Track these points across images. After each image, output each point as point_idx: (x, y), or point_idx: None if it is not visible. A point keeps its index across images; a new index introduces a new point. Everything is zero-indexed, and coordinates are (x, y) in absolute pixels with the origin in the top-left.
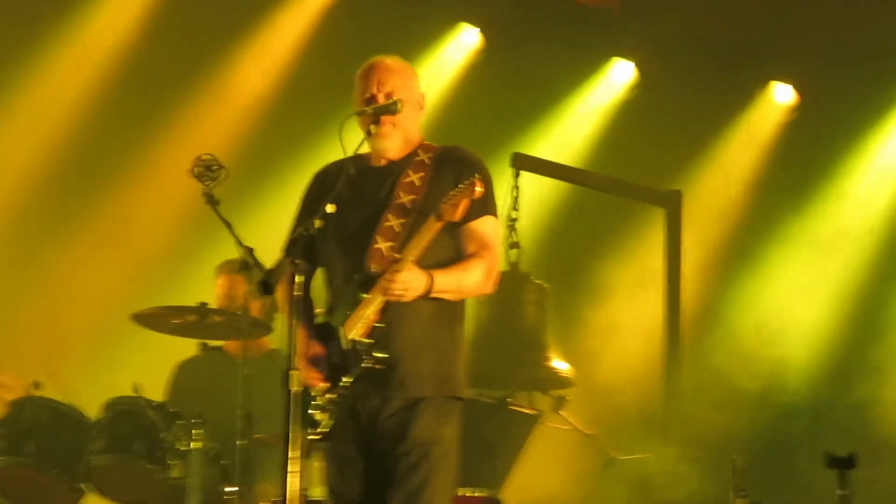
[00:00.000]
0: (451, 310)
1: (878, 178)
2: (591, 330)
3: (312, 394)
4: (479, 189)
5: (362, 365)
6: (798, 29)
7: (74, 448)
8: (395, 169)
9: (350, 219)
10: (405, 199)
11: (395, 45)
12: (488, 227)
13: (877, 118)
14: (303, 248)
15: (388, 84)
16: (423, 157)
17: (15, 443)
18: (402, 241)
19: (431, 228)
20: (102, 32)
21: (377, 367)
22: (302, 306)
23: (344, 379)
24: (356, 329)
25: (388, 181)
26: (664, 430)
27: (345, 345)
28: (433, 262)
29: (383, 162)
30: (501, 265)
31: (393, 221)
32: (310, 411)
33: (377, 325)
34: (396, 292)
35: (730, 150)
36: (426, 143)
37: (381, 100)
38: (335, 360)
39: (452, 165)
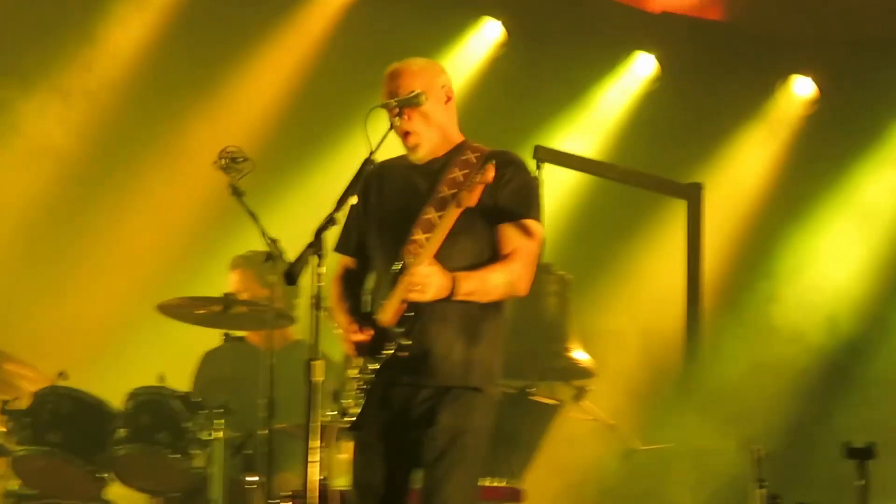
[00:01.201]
0: (489, 305)
1: None
2: (612, 321)
3: (345, 381)
4: (490, 174)
5: (385, 351)
6: (818, 21)
7: (98, 438)
8: (440, 164)
9: (392, 211)
10: (447, 193)
11: (417, 40)
12: (525, 230)
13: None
14: (355, 242)
15: (402, 90)
16: (471, 156)
17: (39, 432)
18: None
19: (451, 215)
20: (128, 26)
21: (401, 354)
22: (348, 293)
23: (370, 365)
24: (386, 316)
25: (431, 176)
26: (683, 419)
27: (377, 331)
28: (471, 255)
29: (427, 160)
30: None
31: (432, 214)
32: (341, 400)
33: (406, 313)
34: (415, 288)
35: (750, 143)
36: (474, 143)
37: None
38: (368, 348)
39: (486, 162)
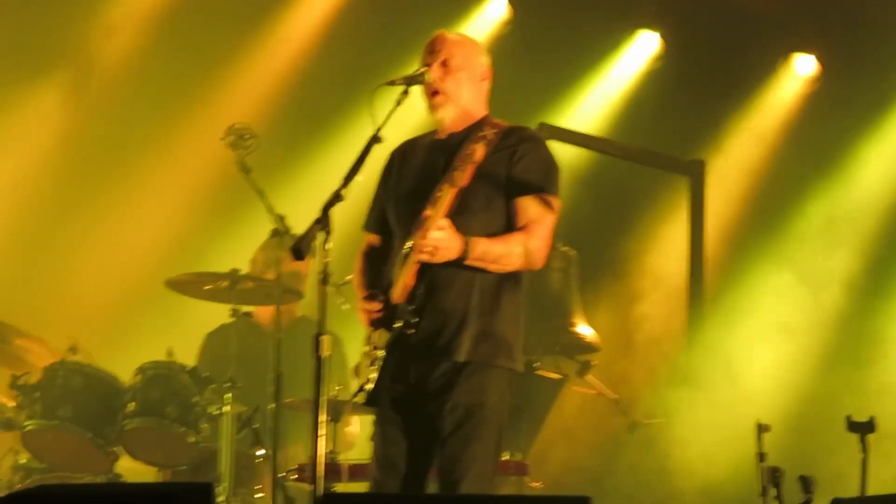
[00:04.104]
0: (507, 277)
1: None
2: (616, 296)
3: (362, 356)
4: (479, 154)
5: (394, 326)
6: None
7: (108, 412)
8: (457, 142)
9: (409, 188)
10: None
11: (423, 18)
12: (541, 203)
13: None
14: (379, 219)
15: (443, 52)
16: (489, 132)
17: (49, 406)
18: (451, 211)
19: (446, 195)
20: (134, 6)
21: (406, 329)
22: (369, 268)
23: (382, 339)
24: (396, 292)
25: (448, 153)
26: (686, 394)
27: (389, 306)
28: (487, 227)
29: (446, 135)
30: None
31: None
32: (358, 374)
33: (416, 290)
34: (426, 250)
35: (753, 120)
36: (495, 120)
37: (435, 67)
38: (382, 322)
39: (511, 142)
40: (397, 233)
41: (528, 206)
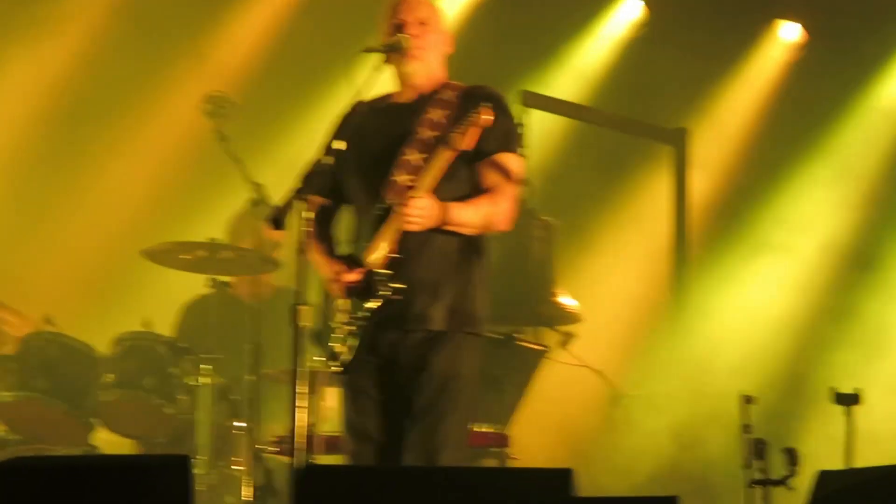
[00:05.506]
0: (471, 244)
1: (882, 118)
2: (598, 267)
3: (332, 325)
4: (485, 117)
5: (379, 293)
6: None
7: (84, 383)
8: (419, 105)
9: (372, 153)
10: (427, 134)
11: None
12: (507, 163)
13: (882, 59)
14: (325, 184)
15: (420, 11)
16: (449, 95)
17: (25, 378)
18: (422, 174)
19: (442, 158)
20: None
21: (394, 297)
22: (321, 237)
23: (363, 307)
24: (374, 259)
25: (410, 116)
26: (670, 366)
27: (366, 273)
28: (451, 196)
29: (407, 98)
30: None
31: (412, 156)
32: (330, 343)
33: (394, 255)
34: (410, 220)
35: (736, 88)
36: (452, 82)
37: (414, 24)
38: (357, 291)
39: (475, 102)
40: (361, 198)
41: (495, 167)
